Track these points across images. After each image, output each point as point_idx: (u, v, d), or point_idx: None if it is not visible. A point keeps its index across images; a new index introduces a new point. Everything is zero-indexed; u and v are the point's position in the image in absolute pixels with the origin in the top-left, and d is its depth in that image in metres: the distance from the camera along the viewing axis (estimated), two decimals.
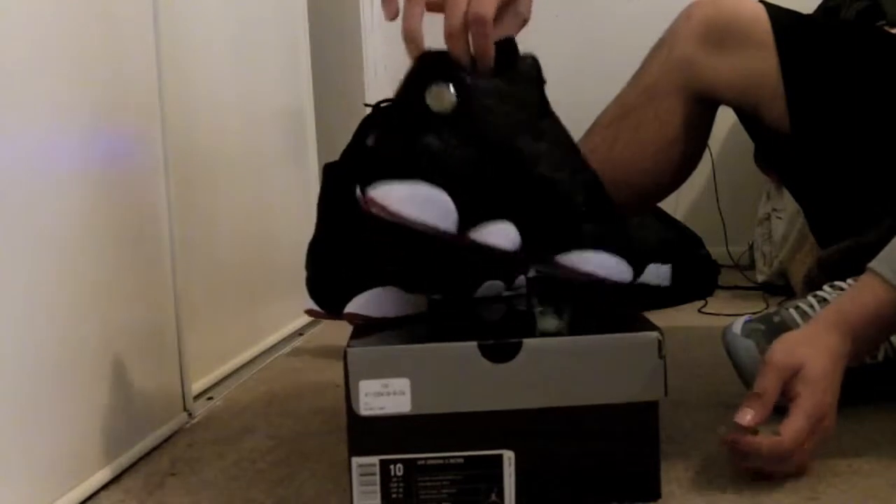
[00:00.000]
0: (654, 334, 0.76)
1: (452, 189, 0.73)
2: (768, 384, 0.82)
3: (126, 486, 0.88)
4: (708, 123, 1.38)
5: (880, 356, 0.98)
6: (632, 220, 1.00)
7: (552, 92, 0.80)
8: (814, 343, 0.84)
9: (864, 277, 0.87)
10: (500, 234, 0.75)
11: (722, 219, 2.03)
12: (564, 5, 2.28)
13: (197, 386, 1.15)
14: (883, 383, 0.99)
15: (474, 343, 0.75)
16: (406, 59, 0.77)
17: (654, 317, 0.84)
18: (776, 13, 1.28)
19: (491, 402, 0.75)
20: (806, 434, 0.80)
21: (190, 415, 1.09)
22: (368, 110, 0.92)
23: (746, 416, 0.80)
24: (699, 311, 1.62)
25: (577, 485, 0.76)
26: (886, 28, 1.48)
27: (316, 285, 0.88)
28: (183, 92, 1.15)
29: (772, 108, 1.28)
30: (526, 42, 0.81)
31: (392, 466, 0.75)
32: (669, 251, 1.03)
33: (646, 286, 1.01)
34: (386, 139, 0.75)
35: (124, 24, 1.00)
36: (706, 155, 1.42)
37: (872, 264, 0.87)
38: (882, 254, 0.87)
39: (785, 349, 0.84)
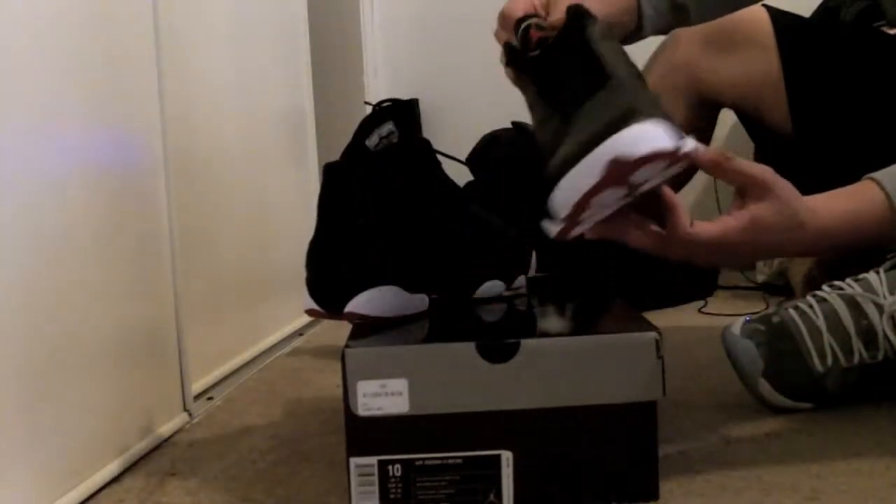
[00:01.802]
0: (652, 334, 0.76)
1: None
2: (738, 162, 0.81)
3: (126, 486, 0.88)
4: (710, 126, 1.38)
5: (880, 356, 0.98)
6: None
7: None
8: (793, 203, 0.82)
9: (862, 183, 0.87)
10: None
11: None
12: None
13: (197, 386, 1.15)
14: (883, 383, 0.99)
15: (472, 343, 0.75)
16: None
17: (654, 317, 0.84)
18: (777, 16, 1.29)
19: (489, 403, 0.75)
20: (719, 241, 0.80)
21: (190, 415, 1.09)
22: (368, 110, 0.92)
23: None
24: (699, 311, 1.62)
25: (575, 485, 0.76)
26: (886, 29, 1.48)
27: (316, 285, 0.88)
28: (183, 92, 1.15)
29: (773, 110, 1.28)
30: None
31: (390, 467, 0.75)
32: None
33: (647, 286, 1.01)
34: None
35: (124, 24, 1.00)
36: None
37: (874, 174, 0.86)
38: (888, 168, 0.87)
39: (780, 180, 0.83)
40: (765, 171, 0.82)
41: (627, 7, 0.94)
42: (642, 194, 0.77)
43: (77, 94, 0.88)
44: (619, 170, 0.71)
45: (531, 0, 0.90)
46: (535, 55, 0.80)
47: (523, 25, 0.85)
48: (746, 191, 0.82)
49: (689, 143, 0.73)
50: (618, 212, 0.78)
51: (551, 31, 0.82)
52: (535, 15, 0.86)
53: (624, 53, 0.80)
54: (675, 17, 0.99)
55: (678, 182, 1.26)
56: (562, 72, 0.77)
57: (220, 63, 1.34)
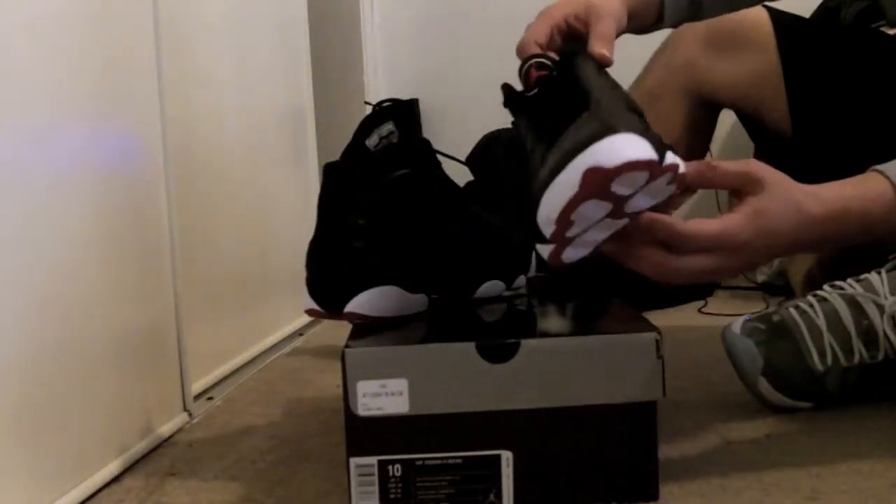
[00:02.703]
0: (652, 334, 0.76)
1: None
2: (724, 165, 0.80)
3: (126, 486, 0.88)
4: (710, 126, 1.38)
5: (880, 356, 0.98)
6: None
7: None
8: (793, 190, 0.81)
9: (867, 174, 0.85)
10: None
11: None
12: None
13: (197, 386, 1.15)
14: (883, 383, 0.99)
15: (472, 343, 0.75)
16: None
17: (654, 317, 0.84)
18: (778, 16, 1.29)
19: (489, 403, 0.75)
20: (725, 243, 0.77)
21: (190, 415, 1.09)
22: (368, 110, 0.92)
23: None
24: (699, 311, 1.62)
25: (575, 485, 0.76)
26: (886, 29, 1.48)
27: (316, 285, 0.88)
28: (183, 92, 1.15)
29: (773, 111, 1.28)
30: None
31: (390, 467, 0.75)
32: None
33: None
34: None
35: (124, 24, 1.00)
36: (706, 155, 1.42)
37: (878, 166, 0.85)
38: (893, 161, 0.85)
39: (770, 169, 0.81)
40: (752, 164, 0.81)
41: (652, 0, 0.97)
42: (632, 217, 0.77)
43: (77, 95, 0.88)
44: (598, 179, 0.70)
45: (543, 33, 0.90)
46: (532, 94, 0.81)
47: (526, 65, 0.86)
48: (742, 189, 0.80)
49: (672, 157, 0.73)
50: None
51: (552, 67, 0.84)
52: (542, 55, 0.86)
53: (616, 87, 0.81)
54: (692, 11, 1.02)
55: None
56: (552, 107, 0.78)
57: (220, 63, 1.34)
